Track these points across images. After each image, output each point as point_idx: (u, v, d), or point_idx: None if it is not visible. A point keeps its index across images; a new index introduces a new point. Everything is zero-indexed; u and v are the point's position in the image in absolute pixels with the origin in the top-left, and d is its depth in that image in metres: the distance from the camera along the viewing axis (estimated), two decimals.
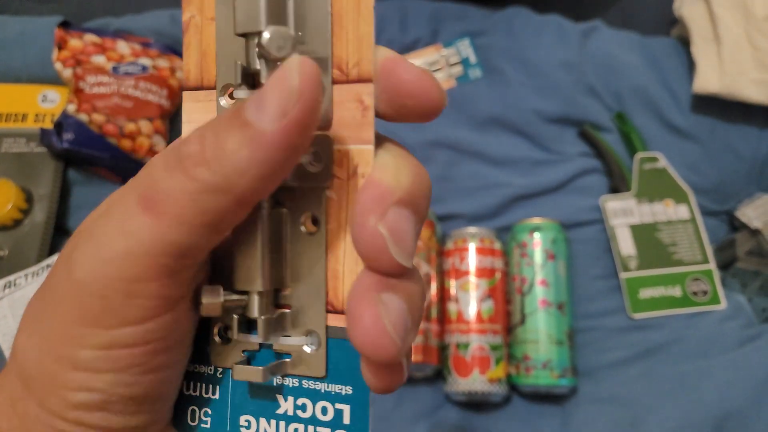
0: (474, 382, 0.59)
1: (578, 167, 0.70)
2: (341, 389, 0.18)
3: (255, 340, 0.19)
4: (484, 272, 0.62)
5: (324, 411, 0.18)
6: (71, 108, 0.63)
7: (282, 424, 0.19)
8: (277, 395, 0.19)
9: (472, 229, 0.64)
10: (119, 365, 0.16)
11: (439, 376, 0.62)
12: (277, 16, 0.17)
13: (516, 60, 0.74)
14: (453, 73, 0.75)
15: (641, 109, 0.72)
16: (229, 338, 0.19)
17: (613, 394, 0.60)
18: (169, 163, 0.16)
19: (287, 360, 0.19)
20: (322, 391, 0.18)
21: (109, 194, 0.66)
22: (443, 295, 0.63)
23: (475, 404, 0.61)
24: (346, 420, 0.18)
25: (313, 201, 0.18)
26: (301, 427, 0.18)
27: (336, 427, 0.18)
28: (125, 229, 0.16)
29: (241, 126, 0.15)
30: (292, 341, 0.19)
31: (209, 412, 0.19)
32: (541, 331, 0.60)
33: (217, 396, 0.19)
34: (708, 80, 0.68)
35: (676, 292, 0.65)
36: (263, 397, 0.19)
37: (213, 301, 0.18)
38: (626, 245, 0.66)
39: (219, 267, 0.19)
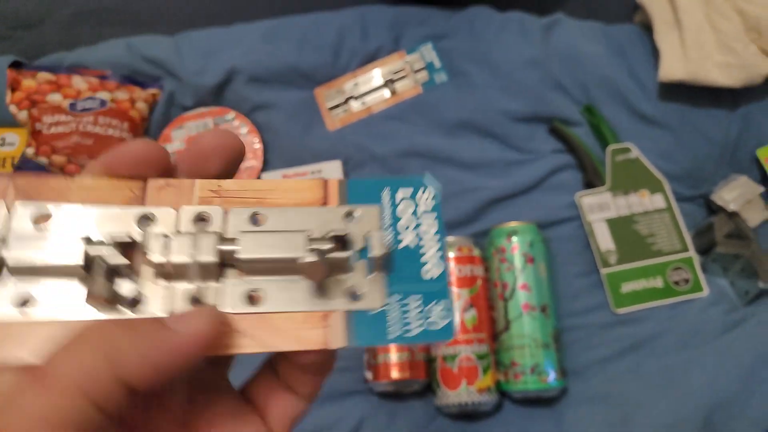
0: (463, 393, 0.58)
1: (552, 165, 0.69)
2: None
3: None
4: (464, 281, 0.61)
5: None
6: (30, 151, 0.61)
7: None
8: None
9: (449, 238, 0.63)
10: None
11: (428, 389, 0.62)
12: None
13: (480, 61, 0.74)
14: (418, 79, 0.74)
15: (609, 100, 0.72)
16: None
17: (603, 391, 0.60)
18: (63, 350, 0.18)
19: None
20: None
21: None
22: None
23: (467, 414, 0.61)
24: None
25: None
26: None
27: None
28: (18, 402, 0.17)
29: (151, 323, 0.19)
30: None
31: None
32: (526, 336, 0.60)
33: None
34: (672, 68, 0.67)
35: (657, 283, 0.65)
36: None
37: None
38: (604, 240, 0.66)
39: None
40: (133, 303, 0.21)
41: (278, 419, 0.23)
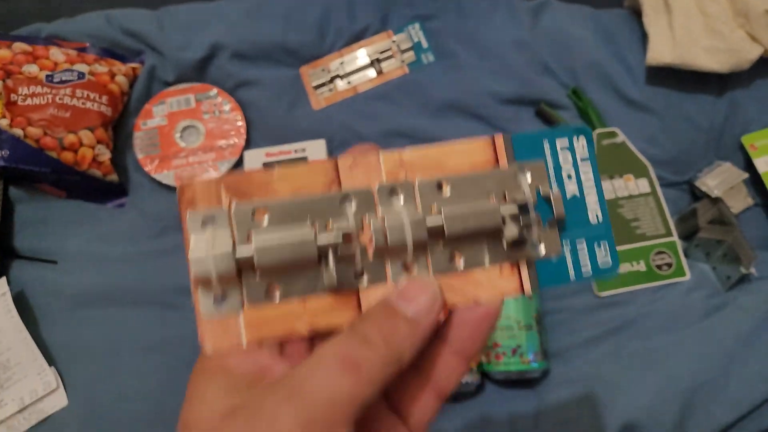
0: None
1: None
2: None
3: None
4: None
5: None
6: (4, 123, 0.60)
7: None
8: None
9: None
10: None
11: None
12: None
13: (468, 42, 0.73)
14: (405, 59, 0.73)
15: (597, 84, 0.71)
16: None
17: (585, 373, 0.60)
18: (358, 341, 0.21)
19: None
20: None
21: (54, 210, 0.63)
22: None
23: None
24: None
25: None
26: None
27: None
28: (329, 384, 0.20)
29: (404, 320, 0.22)
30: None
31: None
32: (509, 317, 0.59)
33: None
34: (660, 51, 0.67)
35: (641, 267, 0.65)
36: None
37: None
38: None
39: None
40: (359, 277, 0.24)
41: (418, 421, 0.25)
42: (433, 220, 0.24)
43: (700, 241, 0.65)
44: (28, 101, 0.61)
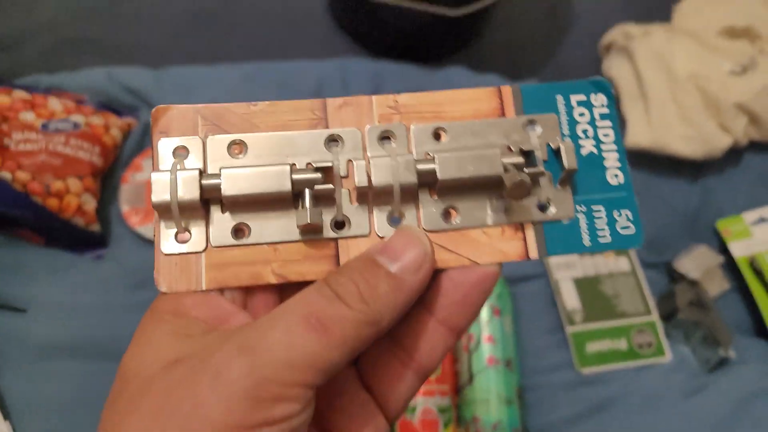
0: None
1: None
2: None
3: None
4: None
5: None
6: None
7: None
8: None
9: None
10: None
11: None
12: None
13: None
14: None
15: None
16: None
17: None
18: (329, 296, 0.19)
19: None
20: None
21: (30, 257, 0.60)
22: None
23: None
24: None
25: None
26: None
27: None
28: (290, 342, 0.18)
29: (386, 276, 0.19)
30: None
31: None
32: (490, 390, 0.58)
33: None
34: (637, 136, 0.70)
35: (622, 345, 0.64)
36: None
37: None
38: (570, 298, 0.66)
39: None
40: (339, 225, 0.21)
41: (396, 400, 0.22)
42: (425, 164, 0.21)
43: (680, 322, 0.66)
44: (21, 146, 0.61)
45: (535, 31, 0.93)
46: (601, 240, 0.22)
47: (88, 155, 0.64)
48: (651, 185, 0.73)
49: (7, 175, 0.59)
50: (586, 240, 0.22)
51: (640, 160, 0.73)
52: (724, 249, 0.71)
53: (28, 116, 0.64)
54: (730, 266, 0.70)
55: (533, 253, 0.22)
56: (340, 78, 0.77)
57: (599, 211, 0.22)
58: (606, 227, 0.22)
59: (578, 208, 0.22)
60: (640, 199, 0.74)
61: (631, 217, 0.22)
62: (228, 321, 0.20)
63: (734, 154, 0.73)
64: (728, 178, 0.74)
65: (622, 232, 0.22)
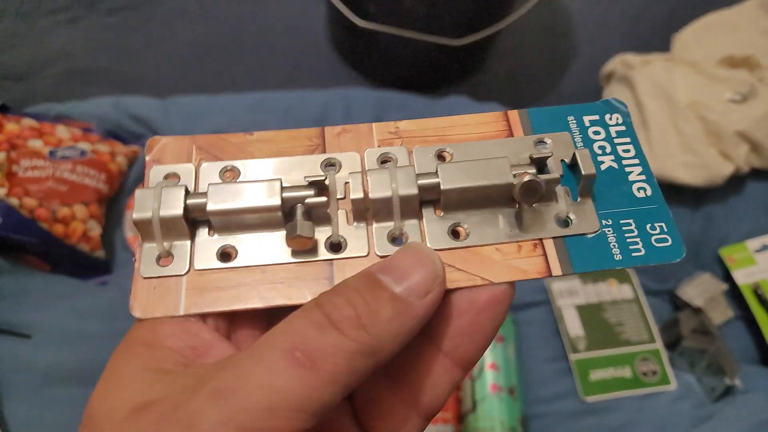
0: None
1: None
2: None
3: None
4: None
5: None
6: (1, 192, 0.60)
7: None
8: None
9: None
10: None
11: None
12: None
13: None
14: None
15: None
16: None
17: None
18: (319, 323, 0.16)
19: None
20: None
21: (36, 283, 0.59)
22: None
23: None
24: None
25: None
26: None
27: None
28: (272, 384, 0.15)
29: (390, 298, 0.17)
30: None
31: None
32: (493, 418, 0.57)
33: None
34: None
35: (626, 372, 0.64)
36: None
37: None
38: (574, 326, 0.66)
39: None
40: (334, 248, 0.20)
41: None
42: (427, 177, 0.19)
43: (684, 350, 0.65)
44: (29, 173, 0.62)
45: (537, 60, 0.95)
46: (635, 254, 0.20)
47: (94, 182, 0.65)
48: None
49: (14, 201, 0.60)
50: (617, 254, 0.20)
51: None
52: (727, 277, 0.70)
53: (36, 144, 0.65)
54: (734, 294, 0.70)
55: (556, 270, 0.20)
56: (343, 107, 0.78)
57: (629, 224, 0.21)
58: (639, 240, 0.20)
59: (604, 222, 0.20)
60: None
61: (666, 229, 0.21)
62: (208, 352, 0.18)
63: (736, 182, 0.74)
64: (731, 206, 0.74)
65: (657, 245, 0.20)
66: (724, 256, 0.71)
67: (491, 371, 0.59)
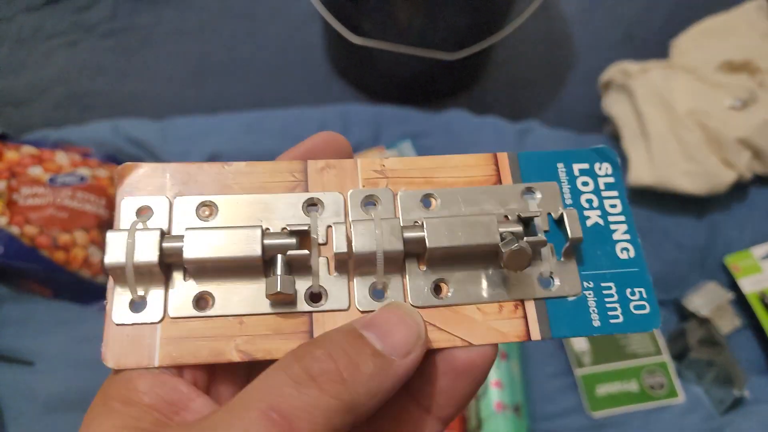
0: None
1: None
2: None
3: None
4: None
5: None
6: (3, 220, 0.61)
7: None
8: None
9: None
10: None
11: None
12: None
13: None
14: None
15: None
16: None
17: None
18: (297, 379, 0.16)
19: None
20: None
21: (38, 309, 0.58)
22: None
23: None
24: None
25: None
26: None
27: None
28: None
29: (373, 354, 0.17)
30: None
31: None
32: None
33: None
34: (640, 173, 0.70)
35: (632, 386, 0.63)
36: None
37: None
38: (578, 340, 0.65)
39: None
40: (314, 298, 0.19)
41: None
42: (412, 231, 0.19)
43: (692, 362, 0.65)
44: (29, 201, 0.62)
45: (534, 71, 0.94)
46: (613, 321, 0.20)
47: (94, 208, 0.65)
48: (656, 222, 0.72)
49: (15, 230, 0.60)
50: (596, 320, 0.20)
51: (643, 197, 0.73)
52: (733, 285, 0.69)
53: (36, 171, 0.65)
54: (741, 302, 0.69)
55: (535, 334, 0.19)
56: (341, 123, 0.78)
57: (609, 288, 0.20)
58: (618, 306, 0.20)
59: (585, 284, 0.20)
60: (646, 237, 0.74)
61: (645, 296, 0.20)
62: (187, 407, 0.18)
63: (739, 189, 0.73)
64: (735, 213, 0.73)
65: (635, 311, 0.20)
66: (730, 264, 0.70)
67: (496, 389, 0.59)
